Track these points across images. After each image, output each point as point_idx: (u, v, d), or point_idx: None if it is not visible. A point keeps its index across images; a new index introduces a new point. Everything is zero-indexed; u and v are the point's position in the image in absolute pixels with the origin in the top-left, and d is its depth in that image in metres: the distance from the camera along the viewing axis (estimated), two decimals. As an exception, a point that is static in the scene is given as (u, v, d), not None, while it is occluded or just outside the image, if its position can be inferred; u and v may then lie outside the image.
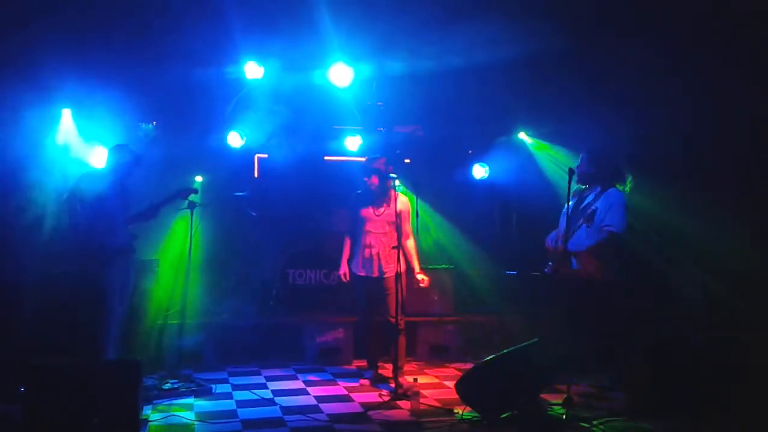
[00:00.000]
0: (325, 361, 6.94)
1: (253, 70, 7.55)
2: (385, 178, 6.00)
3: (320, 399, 5.71)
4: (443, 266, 7.64)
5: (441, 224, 8.45)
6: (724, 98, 6.78)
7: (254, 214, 7.64)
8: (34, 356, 4.97)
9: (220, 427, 4.97)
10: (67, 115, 6.93)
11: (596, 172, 5.90)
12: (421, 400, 5.41)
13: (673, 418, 5.04)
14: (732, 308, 6.92)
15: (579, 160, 5.96)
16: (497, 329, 7.49)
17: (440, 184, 8.50)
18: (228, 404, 5.54)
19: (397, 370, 5.83)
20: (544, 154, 8.18)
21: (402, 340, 6.01)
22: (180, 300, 7.34)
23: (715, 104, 6.84)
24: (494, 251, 8.40)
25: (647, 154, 7.18)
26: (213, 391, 5.86)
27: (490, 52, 7.28)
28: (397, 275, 5.78)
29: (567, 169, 5.66)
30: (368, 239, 6.06)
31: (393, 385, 5.79)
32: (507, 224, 8.94)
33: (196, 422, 5.06)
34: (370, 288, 6.12)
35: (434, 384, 6.26)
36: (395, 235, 5.92)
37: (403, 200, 6.11)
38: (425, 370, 6.73)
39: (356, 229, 6.13)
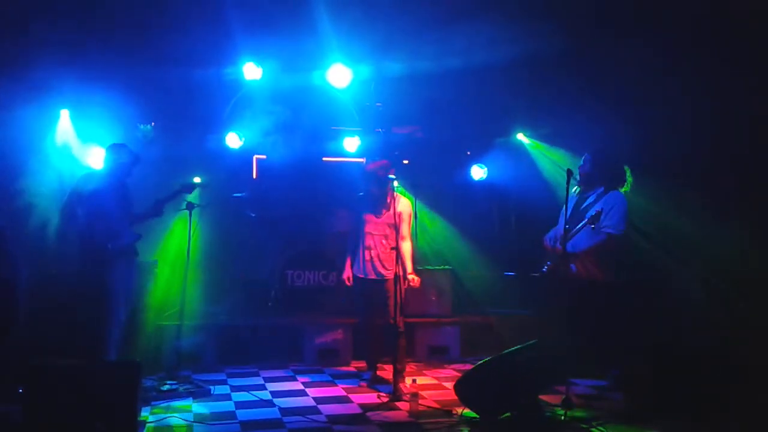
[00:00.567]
0: (324, 363, 6.93)
1: (251, 71, 7.56)
2: (384, 183, 6.00)
3: (319, 400, 5.70)
4: (442, 267, 7.63)
5: (440, 225, 8.46)
6: (723, 98, 6.78)
7: (253, 215, 7.64)
8: (34, 357, 4.96)
9: (218, 428, 4.96)
10: (65, 116, 6.92)
11: (599, 174, 5.89)
12: (420, 401, 5.41)
13: (672, 418, 5.03)
14: (732, 308, 6.93)
15: (581, 162, 5.95)
16: (496, 330, 7.49)
17: (439, 185, 8.50)
18: (227, 405, 5.53)
19: (397, 373, 5.82)
20: (543, 155, 8.18)
21: (402, 342, 6.01)
22: (178, 301, 7.35)
23: (714, 104, 6.85)
24: (493, 252, 8.40)
25: (646, 155, 7.18)
26: (212, 392, 5.85)
27: (488, 53, 7.28)
28: (396, 277, 5.77)
29: (566, 170, 5.67)
30: (368, 241, 6.06)
31: (392, 387, 5.78)
32: (505, 225, 8.94)
33: (194, 423, 5.05)
34: (370, 290, 6.12)
35: (433, 385, 6.25)
36: (395, 237, 5.93)
37: (403, 202, 6.11)
38: (424, 371, 6.72)
39: (357, 231, 6.13)
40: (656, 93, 7.10)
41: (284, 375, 6.55)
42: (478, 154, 8.77)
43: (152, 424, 5.02)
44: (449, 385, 5.92)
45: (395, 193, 6.08)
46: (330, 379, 6.44)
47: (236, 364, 6.81)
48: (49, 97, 6.72)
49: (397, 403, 5.53)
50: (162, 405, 5.47)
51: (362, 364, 6.62)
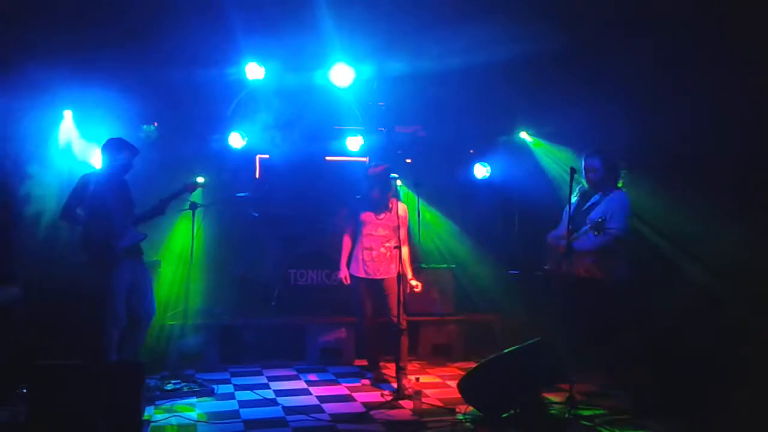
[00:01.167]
0: (327, 361, 6.94)
1: (254, 71, 7.57)
2: (388, 186, 6.03)
3: (322, 399, 5.71)
4: (445, 266, 7.64)
5: (443, 224, 8.46)
6: (724, 97, 6.77)
7: (256, 214, 7.65)
8: (38, 357, 4.98)
9: (222, 427, 4.98)
10: (68, 117, 6.94)
11: (608, 177, 5.90)
12: (424, 400, 5.41)
13: (675, 417, 5.03)
14: (733, 308, 6.92)
15: (589, 166, 5.91)
16: (499, 328, 7.49)
17: (442, 184, 8.49)
18: (230, 404, 5.55)
19: (400, 370, 5.83)
20: (546, 154, 8.18)
21: (404, 340, 6.02)
22: (182, 300, 7.37)
23: (714, 103, 6.84)
24: (496, 250, 8.40)
25: (648, 153, 7.18)
26: (215, 391, 5.86)
27: (490, 51, 7.28)
28: (399, 275, 5.79)
29: (569, 168, 5.67)
30: (369, 242, 6.07)
31: (395, 385, 5.79)
32: (509, 223, 8.93)
33: (198, 423, 5.06)
34: (372, 289, 6.14)
35: (436, 383, 6.26)
36: (395, 238, 5.95)
37: (402, 207, 6.15)
38: (427, 370, 6.73)
39: (356, 232, 6.14)
40: (658, 91, 7.10)
41: (288, 374, 6.56)
42: (481, 153, 8.76)
43: (156, 424, 5.04)
44: (452, 383, 5.93)
45: (395, 200, 6.12)
46: (333, 377, 6.45)
47: (239, 363, 6.83)
48: (52, 97, 6.74)
49: (401, 402, 5.54)
50: (166, 404, 5.49)
51: (365, 363, 6.62)
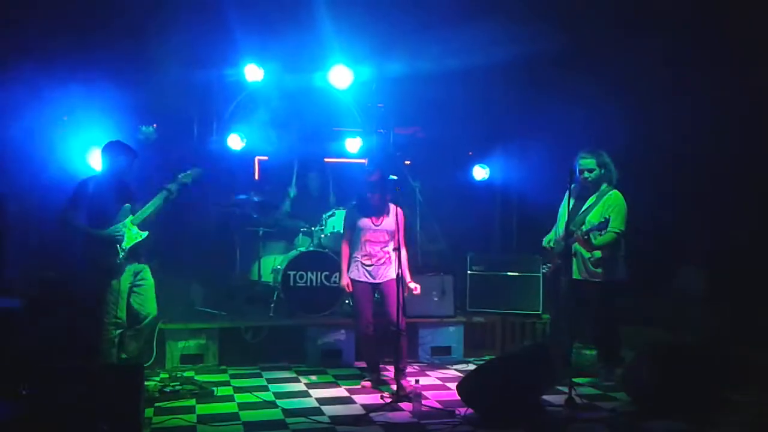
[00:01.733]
0: (327, 363, 6.93)
1: (253, 73, 7.58)
2: (384, 192, 6.02)
3: (322, 401, 5.70)
4: (444, 268, 7.64)
5: (442, 225, 8.46)
6: (724, 97, 6.79)
7: (255, 216, 7.64)
8: (36, 359, 4.97)
9: (221, 429, 4.96)
10: (66, 119, 6.92)
11: (604, 176, 5.92)
12: (423, 402, 5.40)
13: (675, 418, 5.03)
14: (733, 307, 6.93)
15: (585, 165, 5.92)
16: (499, 330, 7.49)
17: (441, 186, 8.50)
18: (230, 407, 5.53)
19: (399, 373, 5.82)
20: (545, 155, 8.17)
21: (404, 342, 6.01)
22: (181, 302, 7.37)
23: (714, 103, 6.86)
24: (495, 252, 8.41)
25: (648, 153, 7.19)
26: (214, 393, 5.85)
27: (489, 52, 7.29)
28: (398, 278, 5.77)
29: (568, 170, 5.68)
30: (367, 248, 6.05)
31: (394, 388, 5.78)
32: (508, 225, 8.95)
33: (197, 425, 5.05)
34: (372, 292, 6.12)
35: (436, 386, 6.25)
36: (393, 242, 5.95)
37: (400, 211, 6.13)
38: (427, 372, 6.72)
39: (353, 238, 6.13)
40: (657, 90, 7.12)
41: (287, 376, 6.55)
42: (480, 155, 8.77)
43: (156, 426, 5.02)
44: (452, 385, 5.92)
45: (392, 204, 6.10)
46: (333, 379, 6.44)
47: (239, 365, 6.82)
48: (49, 99, 6.73)
49: (401, 404, 5.53)
50: (165, 406, 5.47)
51: (365, 365, 6.61)
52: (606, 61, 7.40)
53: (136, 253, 5.86)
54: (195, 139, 8.01)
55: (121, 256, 5.74)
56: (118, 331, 5.85)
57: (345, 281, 6.14)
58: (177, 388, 5.78)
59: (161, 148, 7.33)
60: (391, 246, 6.02)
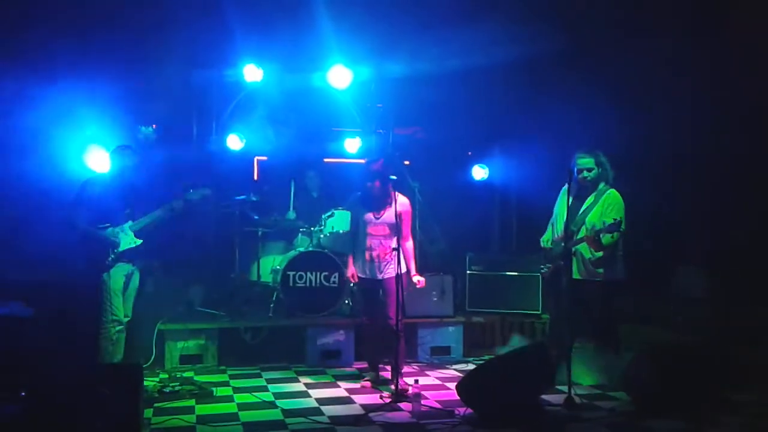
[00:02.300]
0: (326, 363, 6.93)
1: (252, 73, 7.57)
2: (385, 181, 5.96)
3: (321, 401, 5.69)
4: (444, 268, 7.64)
5: (442, 225, 8.46)
6: (723, 97, 6.79)
7: (255, 216, 7.64)
8: (36, 359, 4.97)
9: (221, 430, 4.96)
10: (66, 119, 6.91)
11: (602, 175, 5.92)
12: (423, 402, 5.40)
13: (675, 418, 5.03)
14: (733, 307, 6.93)
15: (582, 165, 5.91)
16: (498, 330, 7.49)
17: (440, 186, 8.50)
18: (229, 407, 5.53)
19: (399, 373, 5.82)
20: (544, 155, 8.17)
21: (402, 342, 6.00)
22: (181, 303, 7.36)
23: (714, 103, 6.86)
24: (494, 251, 8.41)
25: (647, 153, 7.19)
26: (214, 393, 5.84)
27: (489, 53, 7.29)
28: (397, 277, 5.75)
29: (567, 170, 5.68)
30: (369, 242, 6.04)
31: (394, 387, 5.77)
32: (507, 225, 8.95)
33: (197, 425, 5.04)
34: (371, 290, 6.12)
35: (435, 385, 6.25)
36: (395, 237, 5.90)
37: (403, 201, 6.06)
38: (426, 372, 6.72)
39: (358, 231, 6.12)
40: (657, 92, 7.12)
41: (287, 376, 6.54)
42: (479, 155, 8.77)
43: (155, 426, 5.01)
44: (451, 385, 5.92)
45: (395, 193, 6.04)
46: (332, 379, 6.44)
47: (238, 365, 6.81)
48: (50, 99, 6.73)
49: (400, 404, 5.53)
50: (164, 407, 5.46)
51: (364, 365, 6.61)
52: (606, 61, 7.40)
53: (129, 255, 5.92)
54: (194, 140, 8.01)
55: (110, 258, 5.81)
56: (117, 329, 5.90)
57: (350, 272, 6.15)
58: (176, 388, 5.77)
59: (160, 148, 7.32)
60: (393, 242, 5.90)
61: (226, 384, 6.22)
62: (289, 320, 7.20)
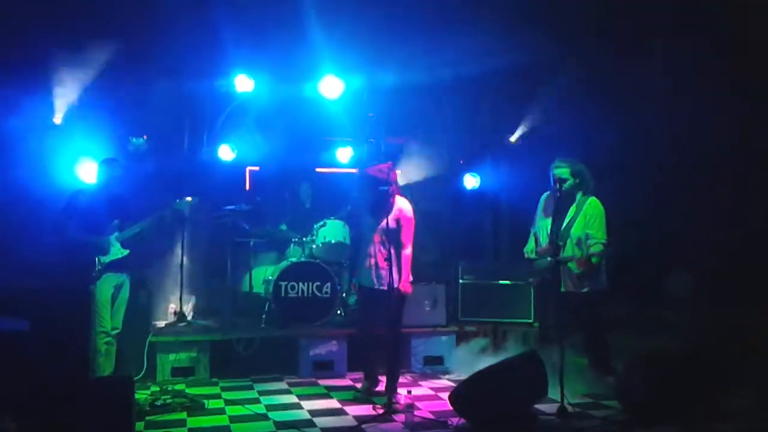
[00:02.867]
0: (319, 375, 6.90)
1: (243, 83, 7.58)
2: (386, 185, 5.88)
3: (314, 413, 5.67)
4: (436, 277, 7.63)
5: (433, 234, 8.44)
6: (718, 100, 6.81)
7: (247, 227, 7.62)
8: (26, 372, 4.92)
9: (213, 442, 4.94)
10: (57, 129, 6.90)
11: (580, 184, 5.92)
12: (416, 413, 5.39)
13: (667, 424, 5.03)
14: (726, 309, 6.94)
15: (559, 175, 5.92)
16: (491, 340, 7.48)
17: (432, 194, 8.49)
18: (221, 419, 5.50)
19: (391, 385, 5.80)
20: (536, 164, 8.19)
21: (396, 353, 5.99)
22: (172, 314, 7.34)
23: (708, 107, 6.88)
24: (486, 260, 8.40)
25: (639, 158, 7.21)
26: (206, 406, 5.81)
27: (480, 62, 7.32)
28: (390, 287, 5.71)
29: (557, 179, 5.69)
30: (369, 249, 5.99)
31: (387, 398, 5.75)
32: (499, 233, 8.95)
33: (188, 438, 5.03)
34: (368, 298, 6.07)
35: (428, 396, 6.23)
36: (390, 247, 5.80)
37: (403, 207, 5.96)
38: (419, 382, 6.70)
39: (359, 239, 6.10)
40: (648, 98, 7.14)
41: (279, 388, 6.51)
42: (471, 163, 8.78)
43: (146, 440, 4.99)
44: (444, 395, 5.90)
45: (396, 198, 5.98)
46: (325, 391, 6.41)
47: (230, 377, 6.78)
48: (40, 109, 6.71)
49: (393, 415, 5.51)
50: (156, 419, 5.43)
51: (357, 376, 6.59)
52: (595, 68, 7.43)
53: (118, 266, 5.94)
54: (186, 150, 7.99)
55: (97, 268, 5.84)
56: (105, 340, 5.91)
57: (354, 281, 6.14)
58: (168, 401, 5.73)
59: (151, 159, 7.31)
60: (390, 250, 5.76)
61: (217, 396, 6.18)
62: (281, 331, 7.17)
